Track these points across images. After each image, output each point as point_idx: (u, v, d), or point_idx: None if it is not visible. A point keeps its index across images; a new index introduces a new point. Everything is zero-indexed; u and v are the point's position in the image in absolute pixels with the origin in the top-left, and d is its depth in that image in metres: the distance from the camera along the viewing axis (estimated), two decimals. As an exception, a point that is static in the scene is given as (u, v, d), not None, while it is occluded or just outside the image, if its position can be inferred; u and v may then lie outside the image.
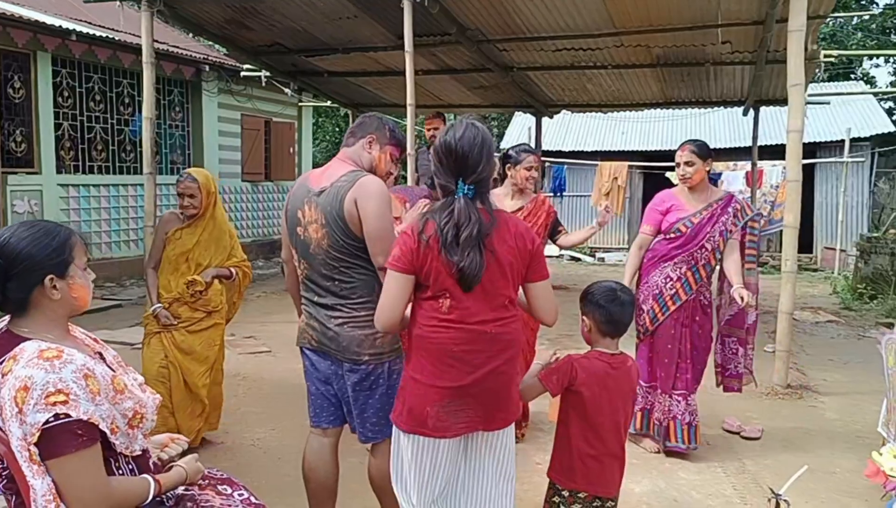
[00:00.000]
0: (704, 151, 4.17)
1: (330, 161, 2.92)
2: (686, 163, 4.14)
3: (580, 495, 2.55)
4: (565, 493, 2.58)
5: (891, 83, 24.89)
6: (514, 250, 2.27)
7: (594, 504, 2.56)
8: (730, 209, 4.16)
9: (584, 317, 2.65)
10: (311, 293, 2.81)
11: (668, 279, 4.16)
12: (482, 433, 2.36)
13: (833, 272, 13.34)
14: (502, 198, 4.54)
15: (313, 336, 2.80)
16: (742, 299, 3.92)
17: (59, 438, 1.66)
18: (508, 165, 4.49)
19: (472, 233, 2.18)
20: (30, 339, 1.77)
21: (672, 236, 4.18)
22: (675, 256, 4.15)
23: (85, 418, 1.69)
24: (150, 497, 1.84)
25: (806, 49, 5.74)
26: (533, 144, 12.88)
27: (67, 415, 1.66)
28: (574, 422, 2.56)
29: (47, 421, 1.64)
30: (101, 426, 1.73)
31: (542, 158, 13.83)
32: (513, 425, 2.44)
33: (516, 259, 2.29)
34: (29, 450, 1.65)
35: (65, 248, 1.84)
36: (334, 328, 2.72)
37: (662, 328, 4.17)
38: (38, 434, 1.64)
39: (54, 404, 1.65)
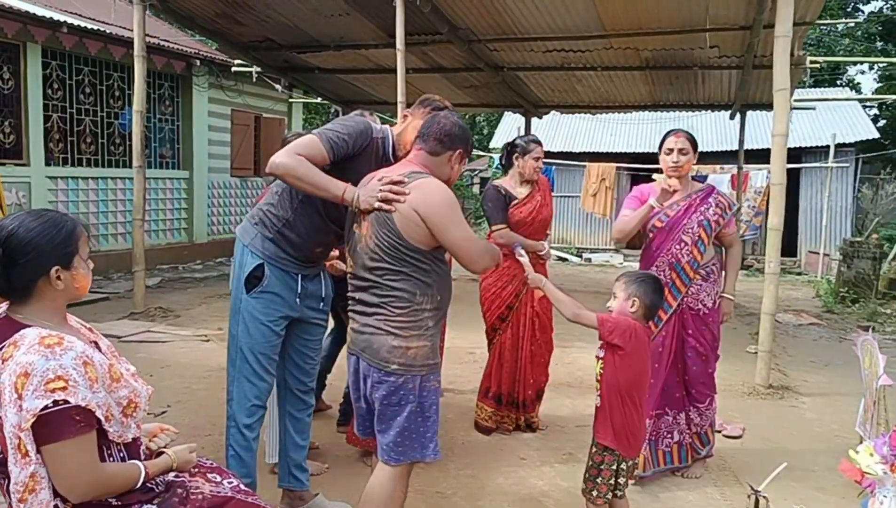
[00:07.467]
0: (695, 142, 3.87)
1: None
2: (680, 151, 3.77)
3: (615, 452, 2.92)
4: (604, 451, 2.92)
5: (875, 90, 25.16)
6: None
7: (620, 465, 2.94)
8: (710, 200, 3.82)
9: (636, 298, 2.95)
10: (354, 292, 2.67)
11: None
12: None
13: (816, 276, 13.48)
14: (514, 186, 4.49)
15: (353, 339, 2.66)
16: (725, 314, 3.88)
17: (57, 423, 1.68)
18: (516, 154, 4.43)
19: None
20: (30, 326, 1.79)
21: (649, 235, 3.86)
22: (656, 258, 3.80)
23: (83, 404, 1.71)
24: (140, 483, 1.87)
25: (792, 55, 5.83)
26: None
27: (66, 401, 1.68)
28: (616, 387, 2.90)
29: (45, 407, 1.66)
30: (97, 413, 1.75)
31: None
32: None
33: None
34: (19, 437, 1.66)
35: (71, 240, 1.86)
36: (368, 331, 2.58)
37: (654, 343, 3.66)
38: (32, 420, 1.65)
39: (53, 390, 1.67)
